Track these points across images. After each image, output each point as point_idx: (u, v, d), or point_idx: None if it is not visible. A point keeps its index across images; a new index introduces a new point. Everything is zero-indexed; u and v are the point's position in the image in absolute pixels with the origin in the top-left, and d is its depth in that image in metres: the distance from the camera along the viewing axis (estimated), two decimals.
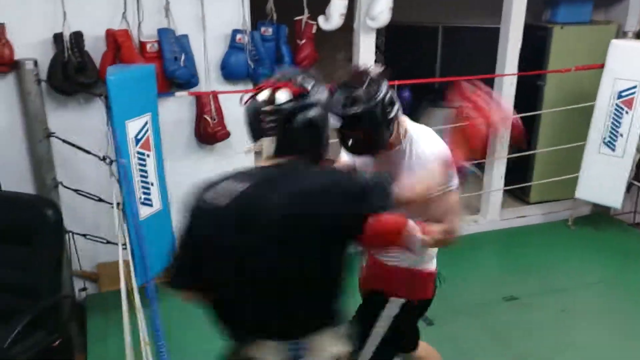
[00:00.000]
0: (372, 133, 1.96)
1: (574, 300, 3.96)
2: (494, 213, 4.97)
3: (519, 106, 4.66)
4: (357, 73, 2.00)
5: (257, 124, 1.51)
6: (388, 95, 1.95)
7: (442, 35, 5.88)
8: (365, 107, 1.89)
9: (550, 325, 3.65)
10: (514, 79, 4.60)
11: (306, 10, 3.74)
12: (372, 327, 2.25)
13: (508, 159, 4.83)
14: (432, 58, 5.98)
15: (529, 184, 5.07)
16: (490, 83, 4.77)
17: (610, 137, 4.48)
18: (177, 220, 1.63)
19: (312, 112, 1.50)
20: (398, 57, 5.87)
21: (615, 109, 4.40)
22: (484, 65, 4.80)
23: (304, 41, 3.69)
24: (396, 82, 4.78)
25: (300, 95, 1.50)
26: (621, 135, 4.41)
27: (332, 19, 3.56)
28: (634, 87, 4.28)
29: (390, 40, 5.95)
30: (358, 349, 2.01)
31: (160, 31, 3.53)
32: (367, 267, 2.44)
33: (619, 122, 4.40)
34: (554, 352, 3.41)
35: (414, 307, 2.32)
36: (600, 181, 4.58)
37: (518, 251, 4.69)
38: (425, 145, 2.08)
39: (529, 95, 4.89)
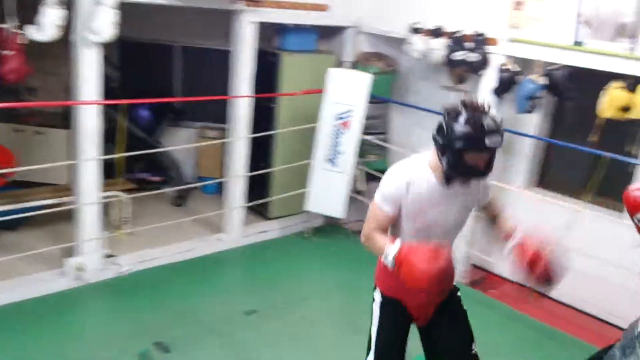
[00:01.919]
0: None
1: (313, 307, 4.20)
2: (236, 230, 5.06)
3: (256, 126, 4.90)
4: (473, 102, 2.09)
5: None
6: None
7: (182, 55, 5.85)
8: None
9: (291, 334, 3.81)
10: (248, 100, 4.77)
11: (14, 19, 3.38)
12: None
13: (248, 177, 4.98)
14: (170, 77, 5.91)
15: (263, 200, 5.27)
16: (222, 104, 4.92)
17: (332, 154, 4.91)
18: None
19: None
20: (135, 74, 5.71)
21: (335, 130, 4.84)
22: (222, 86, 4.92)
23: (12, 53, 3.32)
24: (136, 101, 4.66)
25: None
26: (341, 152, 4.88)
27: (45, 30, 3.25)
28: (350, 110, 4.78)
29: (126, 56, 5.74)
30: None
31: None
32: None
33: (339, 141, 4.86)
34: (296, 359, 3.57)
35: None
36: (326, 194, 5.00)
37: (260, 266, 4.84)
38: None
39: (264, 116, 5.12)
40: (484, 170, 2.11)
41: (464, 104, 2.06)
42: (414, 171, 2.20)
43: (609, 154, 3.87)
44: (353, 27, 5.35)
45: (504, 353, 3.73)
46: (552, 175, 4.78)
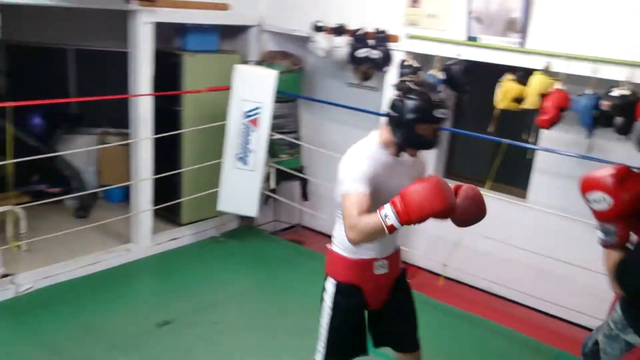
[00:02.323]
0: None
1: (228, 312, 4.12)
2: (145, 239, 4.86)
3: (161, 131, 4.72)
4: (422, 80, 2.36)
5: None
6: None
7: (76, 58, 5.55)
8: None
9: (206, 342, 3.71)
10: (150, 102, 4.60)
11: None
12: None
13: (156, 183, 4.81)
14: (65, 82, 5.58)
15: (173, 202, 5.08)
16: (124, 108, 4.71)
17: (242, 153, 4.85)
18: None
19: None
20: (25, 80, 5.34)
21: (245, 128, 4.78)
22: (122, 90, 4.69)
23: None
24: (20, 103, 4.32)
25: None
26: (252, 150, 4.82)
27: None
28: (258, 107, 4.73)
29: (14, 62, 5.34)
30: None
31: None
32: None
33: (249, 139, 4.80)
34: None
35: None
36: (237, 193, 4.93)
37: (173, 274, 4.67)
38: None
39: (168, 120, 4.95)
40: (432, 141, 2.32)
41: (414, 82, 2.29)
42: (370, 148, 2.36)
43: (506, 140, 4.08)
44: (256, 26, 5.29)
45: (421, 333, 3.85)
46: (458, 165, 4.99)
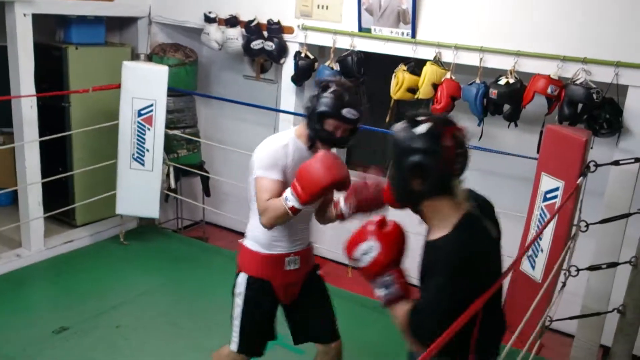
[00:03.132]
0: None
1: (130, 314, 3.93)
2: (37, 243, 4.53)
3: (45, 128, 4.40)
4: (341, 80, 2.46)
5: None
6: None
7: None
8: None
9: (106, 347, 3.53)
10: (34, 101, 4.26)
11: None
12: None
13: (46, 185, 4.47)
14: None
15: (66, 208, 4.79)
16: (8, 105, 4.35)
17: (138, 152, 4.59)
18: None
19: None
20: None
21: (138, 127, 4.53)
22: (1, 86, 4.30)
23: None
24: None
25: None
26: (147, 150, 4.58)
27: None
28: (151, 105, 4.48)
29: None
30: None
31: None
32: None
33: (144, 139, 4.55)
34: None
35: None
36: (136, 195, 4.67)
37: (69, 278, 4.39)
38: None
39: (55, 117, 4.63)
40: (342, 139, 2.36)
41: (334, 80, 2.39)
42: (285, 138, 2.41)
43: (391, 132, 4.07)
44: (144, 18, 5.00)
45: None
46: (357, 156, 4.98)
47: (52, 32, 4.72)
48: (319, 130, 2.33)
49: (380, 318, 4.11)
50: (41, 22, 4.34)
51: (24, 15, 4.11)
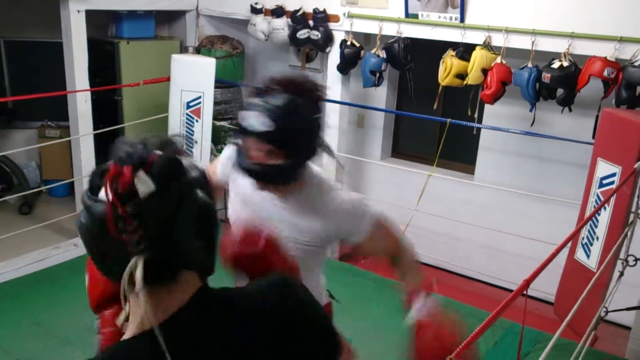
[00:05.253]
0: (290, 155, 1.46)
1: None
2: None
3: (101, 121, 4.46)
4: (282, 79, 1.47)
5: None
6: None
7: (7, 50, 5.17)
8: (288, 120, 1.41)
9: None
10: (88, 95, 4.31)
11: None
12: None
13: None
14: None
15: None
16: (63, 99, 4.44)
17: (187, 144, 4.59)
18: None
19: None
20: None
21: (187, 118, 4.53)
22: (57, 81, 4.38)
23: None
24: None
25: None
26: (196, 142, 4.58)
27: None
28: (199, 97, 4.48)
29: None
30: None
31: None
32: None
33: (192, 130, 4.56)
34: None
35: None
36: None
37: None
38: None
39: (108, 110, 4.68)
40: (256, 166, 1.49)
41: (277, 79, 1.51)
42: None
43: (448, 120, 3.97)
44: (192, 11, 4.98)
45: (377, 316, 3.77)
46: (404, 145, 4.88)
47: (104, 28, 4.77)
48: (237, 150, 1.55)
49: None
50: (94, 18, 4.36)
51: (78, 11, 4.13)
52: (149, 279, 0.85)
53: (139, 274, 0.84)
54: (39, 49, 5.09)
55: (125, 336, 0.93)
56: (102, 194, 0.85)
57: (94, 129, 4.43)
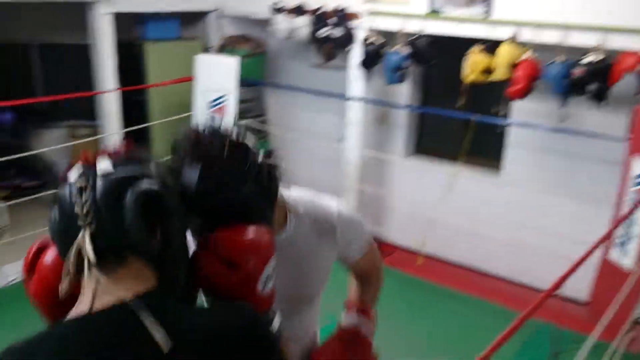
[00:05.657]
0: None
1: None
2: None
3: (128, 120, 4.51)
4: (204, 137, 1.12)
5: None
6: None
7: (40, 53, 5.26)
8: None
9: None
10: (117, 96, 4.37)
11: None
12: None
13: None
14: (30, 77, 5.29)
15: None
16: (92, 100, 4.49)
17: None
18: None
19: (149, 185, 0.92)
20: None
21: (210, 118, 4.53)
22: (86, 82, 4.46)
23: None
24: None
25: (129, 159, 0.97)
26: None
27: None
28: (222, 96, 4.46)
29: None
30: None
31: None
32: None
33: None
34: None
35: None
36: None
37: None
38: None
39: (135, 110, 4.72)
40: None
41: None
42: None
43: (473, 117, 3.86)
44: (215, 11, 4.97)
45: (402, 311, 3.74)
46: (427, 142, 4.77)
47: (130, 30, 4.80)
48: None
49: (448, 304, 3.96)
50: (121, 20, 4.40)
51: (105, 14, 4.20)
52: (97, 253, 0.87)
53: (87, 246, 0.87)
54: (69, 52, 5.16)
55: (72, 313, 0.93)
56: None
57: (123, 128, 4.48)
